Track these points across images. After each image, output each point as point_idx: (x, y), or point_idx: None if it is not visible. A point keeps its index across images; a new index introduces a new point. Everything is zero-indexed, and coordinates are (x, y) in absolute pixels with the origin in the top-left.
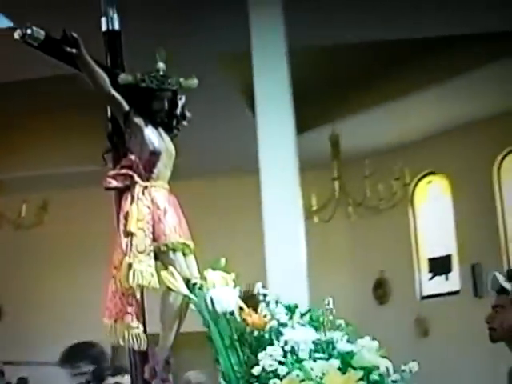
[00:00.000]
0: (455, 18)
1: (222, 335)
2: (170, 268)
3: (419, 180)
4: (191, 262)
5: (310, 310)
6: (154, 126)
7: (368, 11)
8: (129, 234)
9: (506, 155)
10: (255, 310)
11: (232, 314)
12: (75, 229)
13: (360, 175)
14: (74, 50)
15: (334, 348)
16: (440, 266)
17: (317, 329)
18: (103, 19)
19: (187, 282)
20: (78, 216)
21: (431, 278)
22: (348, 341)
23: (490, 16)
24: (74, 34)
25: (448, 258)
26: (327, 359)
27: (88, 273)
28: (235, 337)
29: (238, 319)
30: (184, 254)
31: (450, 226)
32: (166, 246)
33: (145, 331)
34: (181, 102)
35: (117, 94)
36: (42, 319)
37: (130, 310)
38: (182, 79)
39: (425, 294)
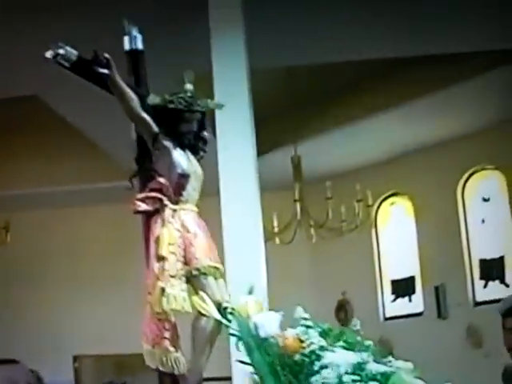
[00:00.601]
0: (417, 39)
1: (264, 360)
2: (201, 293)
3: (382, 202)
4: (222, 285)
5: (342, 332)
6: (181, 148)
7: (329, 33)
8: (160, 259)
9: (469, 176)
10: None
11: (273, 338)
12: (38, 249)
13: (322, 197)
14: (105, 71)
15: (362, 369)
16: (403, 287)
17: (349, 351)
18: (126, 38)
19: (218, 306)
20: (41, 236)
21: (394, 300)
22: (375, 361)
23: (453, 38)
24: (106, 55)
25: (411, 279)
26: (364, 381)
27: (50, 292)
28: (277, 361)
29: (280, 343)
30: (215, 278)
31: (413, 248)
32: (198, 269)
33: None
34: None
35: (146, 116)
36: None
37: (166, 334)
38: (208, 100)
39: (388, 315)
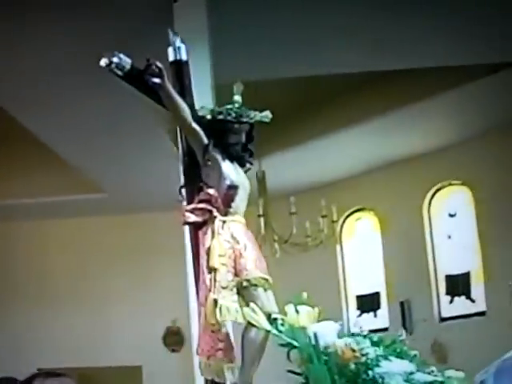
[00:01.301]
0: (383, 54)
1: (324, 370)
2: (252, 304)
3: (347, 217)
4: (270, 297)
5: (393, 341)
6: (229, 160)
7: (295, 47)
8: (212, 270)
9: (436, 192)
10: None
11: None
12: (14, 262)
13: (286, 212)
14: (157, 81)
15: (411, 379)
16: (368, 302)
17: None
18: (170, 49)
19: (268, 317)
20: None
21: (359, 315)
22: (418, 371)
23: (420, 53)
24: (159, 64)
25: (376, 294)
26: None
27: (14, 305)
28: (336, 371)
29: (339, 352)
30: (264, 289)
31: (378, 263)
32: (248, 281)
33: None
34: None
35: (197, 127)
36: None
37: (221, 345)
38: (256, 112)
39: (353, 330)
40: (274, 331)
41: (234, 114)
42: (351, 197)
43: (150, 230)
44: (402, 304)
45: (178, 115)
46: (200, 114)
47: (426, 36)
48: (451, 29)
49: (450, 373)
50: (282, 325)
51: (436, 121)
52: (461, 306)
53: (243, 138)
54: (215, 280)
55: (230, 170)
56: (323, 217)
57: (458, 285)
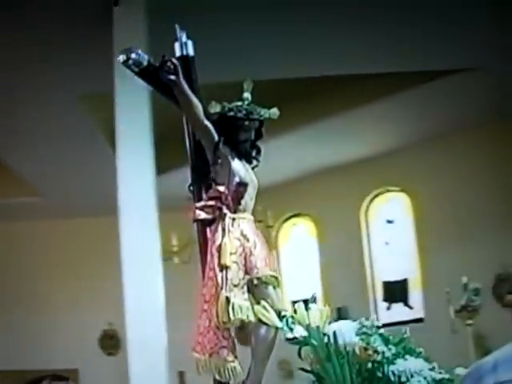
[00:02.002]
0: (321, 61)
1: (342, 370)
2: (263, 302)
3: (283, 222)
4: (279, 295)
5: (402, 339)
6: (238, 157)
7: (237, 50)
8: (224, 268)
9: (374, 198)
10: None
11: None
12: None
13: None
14: (172, 78)
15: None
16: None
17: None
18: (176, 44)
19: (278, 315)
20: None
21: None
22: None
23: (359, 59)
24: (175, 61)
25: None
26: None
27: None
28: (354, 370)
29: (358, 352)
30: (273, 287)
31: (315, 269)
32: (259, 279)
33: None
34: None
35: (209, 124)
36: None
37: (225, 343)
38: (265, 110)
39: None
40: (286, 329)
41: (244, 111)
42: (287, 202)
43: (86, 234)
44: (338, 310)
45: (191, 112)
46: (212, 110)
47: (364, 43)
48: (390, 36)
49: (459, 371)
50: (293, 323)
51: (374, 127)
52: (398, 312)
53: (252, 135)
54: (227, 278)
55: (240, 167)
56: (259, 222)
57: (396, 291)
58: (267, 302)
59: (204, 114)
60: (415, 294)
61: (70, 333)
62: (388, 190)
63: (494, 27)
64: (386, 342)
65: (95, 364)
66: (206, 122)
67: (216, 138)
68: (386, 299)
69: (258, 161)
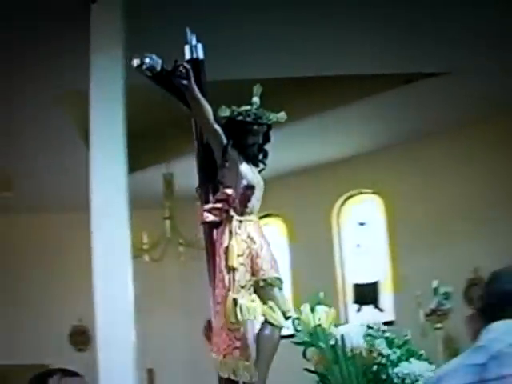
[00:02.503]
0: (299, 61)
1: (348, 372)
2: (270, 303)
3: None
4: (283, 296)
5: (405, 342)
6: (246, 160)
7: (210, 49)
8: (231, 270)
9: (346, 200)
10: None
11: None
12: None
13: (193, 216)
14: (184, 82)
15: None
16: None
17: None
18: (186, 47)
19: (284, 316)
20: None
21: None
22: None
23: (335, 61)
24: (187, 66)
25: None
26: None
27: None
28: (360, 372)
29: (364, 354)
30: (279, 289)
31: (285, 270)
32: (265, 281)
33: None
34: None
35: (218, 128)
36: None
37: (238, 344)
38: (273, 114)
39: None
40: (292, 330)
41: (252, 116)
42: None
43: (56, 230)
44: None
45: (202, 116)
46: (222, 114)
47: (339, 44)
48: (365, 38)
49: None
50: (299, 324)
51: (348, 129)
52: (369, 314)
53: (260, 139)
54: (234, 279)
55: (247, 171)
56: None
57: (366, 294)
58: (274, 303)
59: (214, 117)
60: (386, 297)
61: (41, 328)
62: (361, 192)
63: (468, 31)
64: (391, 344)
65: (65, 360)
66: (216, 126)
67: (225, 141)
68: (356, 301)
69: (265, 164)
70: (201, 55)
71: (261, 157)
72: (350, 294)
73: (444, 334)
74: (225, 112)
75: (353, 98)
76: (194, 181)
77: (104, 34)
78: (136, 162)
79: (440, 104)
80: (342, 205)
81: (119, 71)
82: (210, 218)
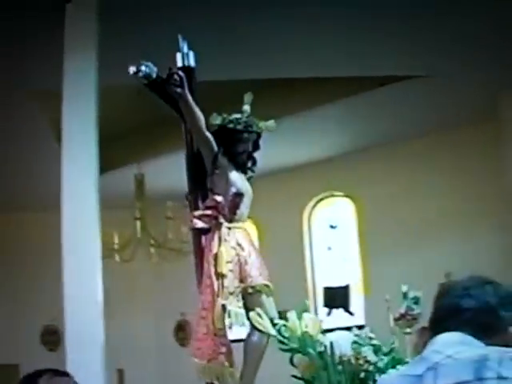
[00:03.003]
0: (273, 62)
1: (337, 379)
2: (258, 309)
3: None
4: (271, 302)
5: (392, 349)
6: (235, 168)
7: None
8: (220, 276)
9: (317, 203)
10: None
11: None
12: None
13: (163, 217)
14: (178, 90)
15: None
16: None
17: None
18: (178, 55)
19: (271, 322)
20: None
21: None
22: None
23: (312, 62)
24: (181, 74)
25: None
26: None
27: None
28: (348, 379)
29: (353, 362)
30: (267, 296)
31: None
32: (253, 287)
33: None
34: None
35: (210, 135)
36: None
37: (223, 350)
38: (262, 122)
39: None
40: (279, 337)
41: (243, 124)
42: None
43: (27, 230)
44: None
45: (195, 124)
46: (213, 122)
47: (312, 46)
48: (339, 40)
49: None
50: (286, 331)
51: (321, 131)
52: (339, 318)
53: (250, 146)
54: (223, 286)
55: (237, 178)
56: None
57: (337, 297)
58: (262, 310)
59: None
60: (357, 301)
61: (11, 328)
62: (333, 195)
63: (443, 35)
64: (377, 351)
65: (36, 359)
66: (207, 134)
67: (215, 148)
68: (326, 305)
69: (253, 171)
70: (192, 63)
71: (250, 164)
72: (320, 297)
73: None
74: (216, 119)
75: (326, 100)
76: (165, 182)
77: (78, 35)
78: (108, 162)
79: (414, 108)
80: (314, 207)
81: (93, 72)
82: (200, 224)
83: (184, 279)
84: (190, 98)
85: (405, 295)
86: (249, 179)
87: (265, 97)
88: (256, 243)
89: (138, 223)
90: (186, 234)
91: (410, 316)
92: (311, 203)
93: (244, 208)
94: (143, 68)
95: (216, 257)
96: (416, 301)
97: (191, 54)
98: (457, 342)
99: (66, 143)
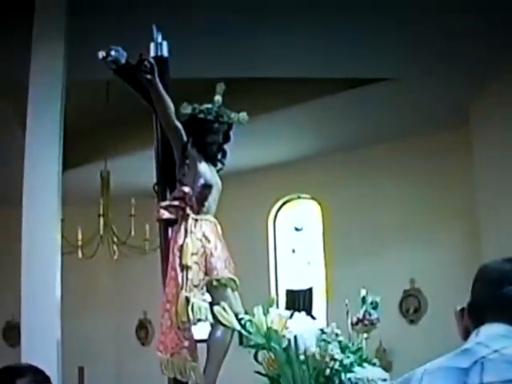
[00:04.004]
0: (240, 62)
1: (301, 375)
2: (223, 303)
3: None
4: (237, 297)
5: (360, 348)
6: (205, 159)
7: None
8: (184, 268)
9: (283, 204)
10: None
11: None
12: None
13: (127, 214)
14: (149, 77)
15: None
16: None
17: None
18: (152, 45)
19: (236, 317)
20: None
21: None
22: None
23: (277, 63)
24: (151, 60)
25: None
26: None
27: None
28: (312, 375)
29: (318, 358)
30: (232, 290)
31: None
32: (218, 281)
33: None
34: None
35: (179, 125)
36: None
37: (186, 344)
38: (234, 113)
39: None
40: (243, 331)
41: (214, 114)
42: None
43: None
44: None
45: (164, 112)
46: (183, 111)
47: (282, 46)
48: (310, 41)
49: None
50: (251, 326)
51: (288, 133)
52: (301, 321)
53: (220, 138)
54: (187, 278)
55: (206, 170)
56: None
57: (300, 300)
58: (226, 304)
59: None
60: (319, 304)
61: None
62: (299, 197)
63: (413, 39)
64: (345, 349)
65: None
66: (177, 123)
67: (185, 139)
68: (288, 307)
69: (223, 164)
70: (165, 53)
71: (220, 156)
72: (282, 300)
73: (376, 346)
74: (186, 109)
75: (295, 101)
76: (130, 179)
77: (47, 28)
78: (74, 158)
79: (383, 111)
80: (280, 209)
81: (60, 67)
82: (166, 215)
83: (146, 277)
84: (160, 85)
85: (363, 300)
86: (218, 171)
87: (232, 97)
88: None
89: (101, 220)
90: (149, 232)
91: (368, 321)
92: (277, 205)
93: (212, 200)
94: (113, 53)
95: (181, 248)
96: (375, 306)
97: (165, 43)
98: (502, 336)
99: (30, 139)
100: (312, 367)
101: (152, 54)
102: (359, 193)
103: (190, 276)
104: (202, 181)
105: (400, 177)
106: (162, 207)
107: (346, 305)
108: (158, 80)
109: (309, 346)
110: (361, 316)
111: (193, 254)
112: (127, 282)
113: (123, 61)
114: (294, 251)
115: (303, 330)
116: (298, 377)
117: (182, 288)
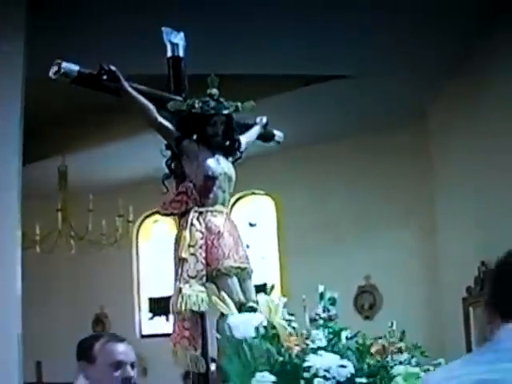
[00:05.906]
0: (204, 57)
1: (241, 362)
2: (222, 293)
3: (145, 219)
4: (248, 286)
5: (357, 333)
6: (210, 151)
7: (115, 47)
8: (180, 260)
9: (238, 200)
10: None
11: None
12: None
13: (85, 209)
14: (113, 85)
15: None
16: (161, 306)
17: (362, 352)
18: (168, 45)
19: (240, 306)
20: None
21: (151, 318)
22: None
23: (240, 60)
24: (112, 67)
25: (168, 298)
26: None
27: None
28: (258, 362)
29: (263, 345)
30: (241, 279)
31: (171, 267)
32: (218, 270)
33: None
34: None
35: (164, 121)
36: None
37: (186, 333)
38: (239, 103)
39: (144, 333)
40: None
41: (206, 107)
42: (150, 199)
43: None
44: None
45: (143, 113)
46: (171, 109)
47: (237, 43)
48: (266, 38)
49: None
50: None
51: None
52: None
53: (220, 129)
54: (182, 269)
55: (210, 161)
56: (119, 216)
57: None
58: (226, 293)
59: (168, 111)
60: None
61: None
62: (253, 193)
63: (368, 37)
64: (335, 335)
65: None
66: (160, 120)
67: (175, 133)
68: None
69: (241, 153)
70: (181, 53)
71: (235, 146)
72: None
73: None
74: (176, 105)
75: (250, 98)
76: (88, 174)
77: (6, 22)
78: (32, 153)
79: (339, 108)
80: (234, 205)
81: (20, 61)
82: (169, 210)
83: (104, 272)
84: (129, 89)
85: (321, 296)
86: (236, 161)
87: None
88: (172, 238)
89: (60, 214)
90: (106, 227)
91: (327, 316)
92: (231, 200)
93: (220, 191)
94: (63, 66)
95: (177, 241)
96: (332, 301)
97: (181, 44)
98: None
99: None
100: (255, 354)
101: (169, 54)
102: (314, 189)
103: (184, 268)
104: (204, 172)
105: (355, 174)
106: (166, 202)
107: (304, 300)
108: (125, 84)
109: (245, 334)
110: (319, 312)
111: (190, 246)
112: (85, 276)
113: (75, 74)
114: (248, 247)
115: (238, 318)
116: (238, 365)
117: (175, 280)
